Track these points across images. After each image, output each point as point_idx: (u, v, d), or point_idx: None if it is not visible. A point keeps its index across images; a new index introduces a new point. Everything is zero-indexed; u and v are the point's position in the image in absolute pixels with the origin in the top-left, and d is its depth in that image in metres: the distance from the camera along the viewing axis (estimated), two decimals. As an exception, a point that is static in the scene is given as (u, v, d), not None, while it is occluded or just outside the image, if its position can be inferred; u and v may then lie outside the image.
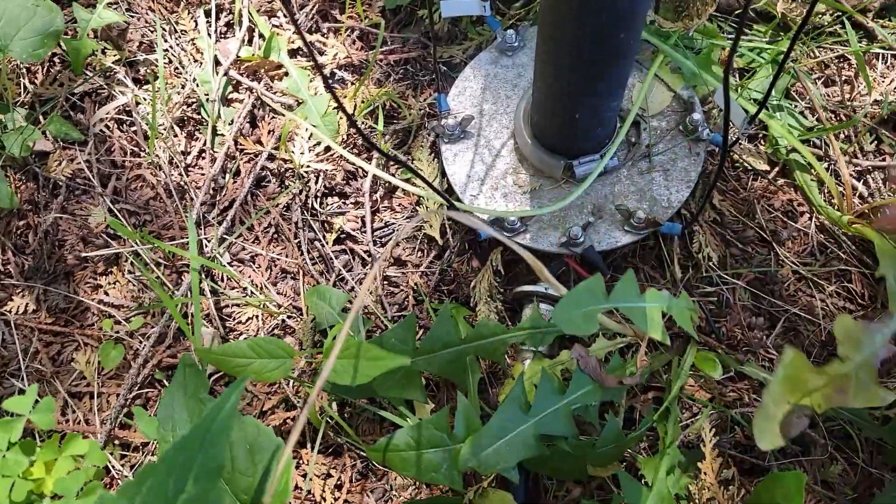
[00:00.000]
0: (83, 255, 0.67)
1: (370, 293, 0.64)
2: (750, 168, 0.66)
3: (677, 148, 0.62)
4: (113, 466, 0.60)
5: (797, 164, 0.66)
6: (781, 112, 0.67)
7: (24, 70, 0.74)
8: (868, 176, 0.65)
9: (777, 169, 0.66)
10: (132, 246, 0.67)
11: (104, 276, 0.67)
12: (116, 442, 0.61)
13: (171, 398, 0.53)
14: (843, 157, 0.64)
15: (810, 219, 0.64)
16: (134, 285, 0.66)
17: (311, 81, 0.72)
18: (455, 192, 0.64)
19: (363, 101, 0.70)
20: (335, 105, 0.70)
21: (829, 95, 0.69)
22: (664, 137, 0.63)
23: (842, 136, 0.67)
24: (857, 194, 0.65)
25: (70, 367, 0.64)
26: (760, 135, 0.67)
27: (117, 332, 0.64)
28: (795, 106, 0.68)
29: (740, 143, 0.67)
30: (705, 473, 0.52)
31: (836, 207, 0.63)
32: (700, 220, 0.64)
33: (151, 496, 0.33)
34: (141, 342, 0.64)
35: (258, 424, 0.50)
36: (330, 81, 0.72)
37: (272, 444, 0.49)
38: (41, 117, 0.72)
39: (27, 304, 0.66)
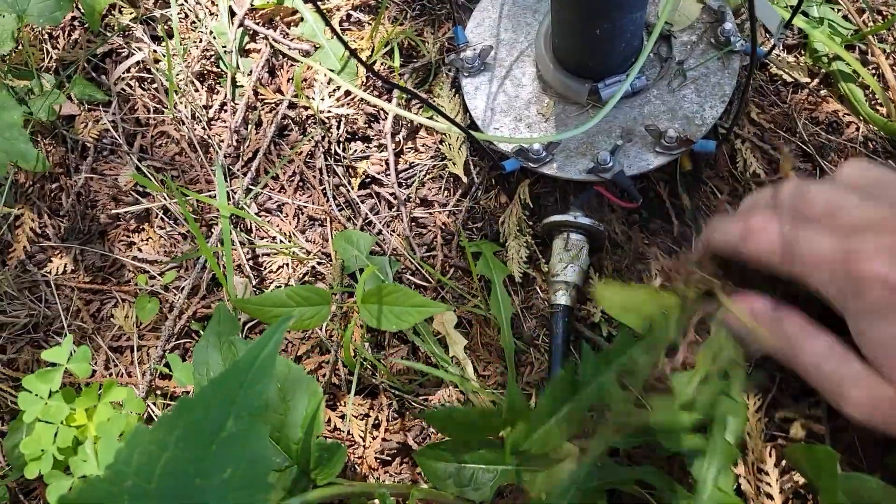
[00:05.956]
0: (115, 212, 0.68)
1: (397, 234, 0.64)
2: (791, 80, 0.63)
3: (709, 62, 0.59)
4: (155, 415, 0.61)
5: (841, 74, 0.61)
6: (821, 21, 0.63)
7: (47, 36, 0.74)
8: (920, 78, 0.61)
9: (818, 80, 0.62)
10: (161, 201, 0.67)
11: (136, 233, 0.68)
12: (158, 392, 0.62)
13: (206, 343, 0.53)
14: (885, 58, 0.60)
15: (857, 130, 0.60)
16: (165, 240, 0.67)
17: (326, 25, 0.70)
18: (478, 126, 0.62)
19: (380, 41, 0.68)
20: (350, 49, 0.69)
21: (874, -5, 0.64)
22: (694, 52, 0.60)
23: (890, 38, 0.62)
24: (909, 99, 0.60)
25: (110, 322, 0.65)
26: (800, 45, 0.63)
27: (152, 286, 0.65)
28: (839, 10, 0.63)
29: (777, 55, 0.63)
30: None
31: (884, 115, 0.59)
32: (739, 136, 0.60)
33: (189, 431, 0.31)
34: (175, 294, 0.65)
35: (289, 363, 0.50)
36: (345, 24, 0.71)
37: (303, 381, 0.49)
38: (65, 81, 0.72)
39: (66, 264, 0.67)
